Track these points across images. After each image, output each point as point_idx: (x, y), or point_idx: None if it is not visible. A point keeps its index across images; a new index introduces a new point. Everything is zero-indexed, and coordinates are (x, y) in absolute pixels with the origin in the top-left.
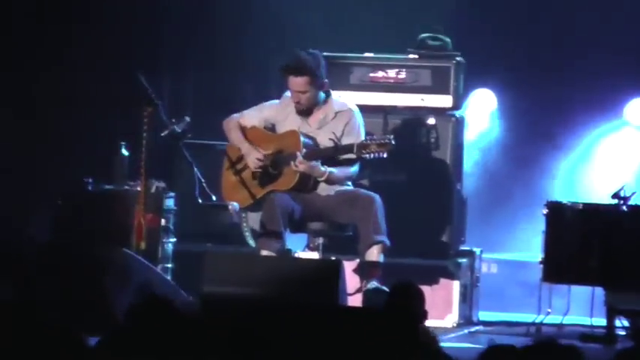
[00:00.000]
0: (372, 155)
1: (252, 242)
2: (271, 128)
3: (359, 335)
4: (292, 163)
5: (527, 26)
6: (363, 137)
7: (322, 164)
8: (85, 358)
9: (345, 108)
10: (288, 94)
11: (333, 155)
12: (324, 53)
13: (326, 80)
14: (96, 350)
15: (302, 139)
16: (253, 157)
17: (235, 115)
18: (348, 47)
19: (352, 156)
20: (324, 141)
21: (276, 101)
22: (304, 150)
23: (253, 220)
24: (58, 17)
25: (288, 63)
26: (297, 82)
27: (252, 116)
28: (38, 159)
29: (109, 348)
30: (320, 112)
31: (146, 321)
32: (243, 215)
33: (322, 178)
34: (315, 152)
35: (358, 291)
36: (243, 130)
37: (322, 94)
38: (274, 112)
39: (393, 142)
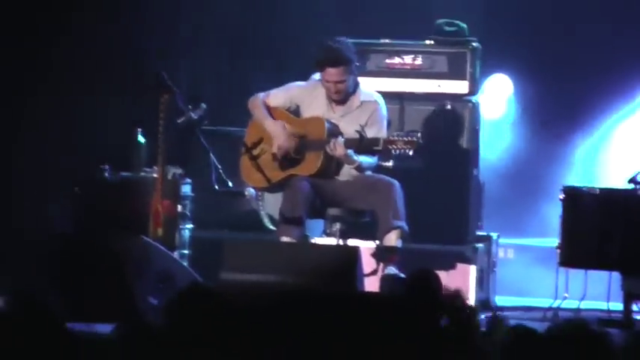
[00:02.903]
0: (397, 151)
1: (269, 225)
2: (295, 110)
3: (379, 323)
4: (322, 146)
5: (544, 11)
6: (385, 129)
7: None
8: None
9: (371, 99)
10: (316, 76)
11: (359, 146)
12: (346, 38)
13: (358, 64)
14: (116, 339)
15: (326, 125)
16: (279, 134)
17: (261, 94)
18: (365, 34)
19: (378, 148)
20: (347, 129)
21: (303, 83)
22: (334, 137)
23: (270, 205)
24: (75, 3)
25: (323, 55)
26: (335, 72)
27: (279, 95)
28: (55, 147)
29: (135, 338)
30: (347, 100)
31: (193, 311)
32: (261, 201)
33: (353, 165)
34: (347, 142)
35: (373, 273)
36: (268, 109)
37: (352, 84)
38: (302, 94)
39: (421, 141)
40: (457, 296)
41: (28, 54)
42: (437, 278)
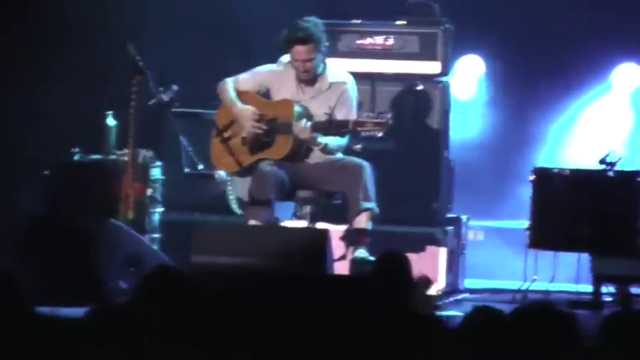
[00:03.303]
0: (367, 133)
1: (237, 210)
2: (265, 93)
3: (348, 304)
4: (291, 129)
5: None
6: (354, 111)
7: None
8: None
9: (340, 80)
10: (284, 59)
11: (328, 128)
12: (315, 18)
13: (327, 44)
14: (86, 322)
15: (296, 108)
16: (247, 118)
17: (230, 79)
18: (336, 14)
19: (347, 130)
20: (317, 111)
21: (273, 65)
22: (305, 120)
23: (239, 188)
24: None
25: (292, 33)
26: (304, 50)
27: (248, 80)
28: (24, 129)
29: (102, 320)
30: (316, 82)
31: (161, 293)
32: (229, 184)
33: (319, 148)
34: (313, 125)
35: (343, 258)
36: (237, 94)
37: (321, 64)
38: (271, 77)
39: (391, 122)
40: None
41: None
42: (406, 260)
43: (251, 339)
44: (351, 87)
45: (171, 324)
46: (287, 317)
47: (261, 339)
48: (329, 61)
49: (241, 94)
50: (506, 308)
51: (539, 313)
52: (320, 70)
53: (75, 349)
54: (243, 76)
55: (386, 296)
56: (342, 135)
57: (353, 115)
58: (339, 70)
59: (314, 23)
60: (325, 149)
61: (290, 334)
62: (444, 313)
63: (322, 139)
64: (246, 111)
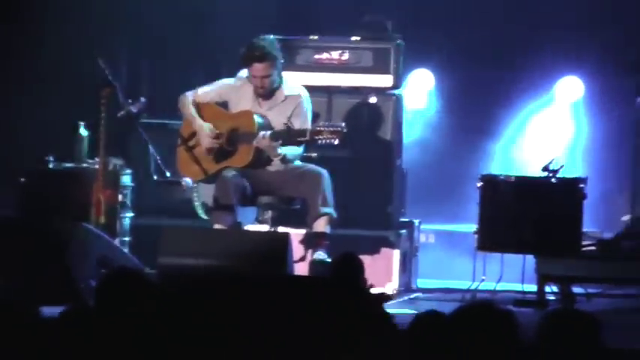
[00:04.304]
0: (323, 141)
1: (203, 215)
2: (223, 105)
3: (306, 303)
4: (252, 140)
5: (465, 10)
6: (309, 121)
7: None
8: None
9: (295, 93)
10: (242, 74)
11: (286, 138)
12: (271, 36)
13: (282, 61)
14: (61, 321)
15: (256, 118)
16: (206, 135)
17: (189, 92)
18: (295, 30)
19: (305, 139)
20: (275, 121)
21: (232, 79)
22: (265, 131)
23: (205, 194)
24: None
25: (250, 51)
26: (261, 67)
27: (207, 93)
28: (8, 142)
29: (76, 319)
30: (272, 94)
31: (121, 291)
32: (195, 190)
33: (277, 158)
34: (272, 135)
35: (302, 259)
36: (197, 106)
37: (277, 78)
38: (229, 91)
39: (345, 130)
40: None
41: None
42: (359, 262)
43: (211, 337)
44: (305, 99)
45: (132, 323)
46: (246, 316)
47: (222, 337)
48: (286, 74)
49: (202, 106)
50: (454, 307)
51: (480, 312)
52: (276, 83)
53: (51, 348)
54: (204, 89)
55: (340, 296)
56: (299, 144)
57: (308, 125)
58: (294, 83)
59: (270, 42)
60: (284, 159)
61: (250, 332)
62: (397, 311)
63: (281, 150)
64: (204, 128)
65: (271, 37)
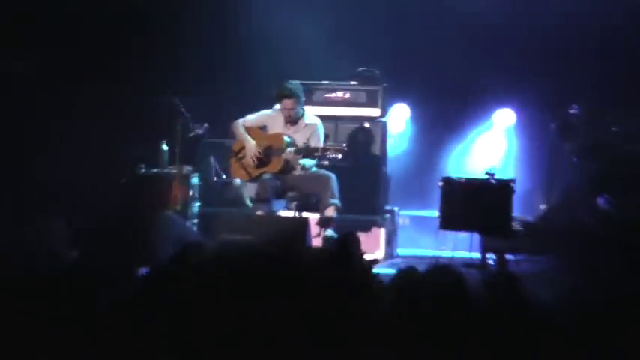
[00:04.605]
0: (331, 156)
1: (249, 204)
2: (263, 128)
3: (320, 264)
4: (282, 153)
5: (431, 60)
6: (322, 141)
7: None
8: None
9: (312, 121)
10: (277, 107)
11: (305, 153)
12: (296, 80)
13: (303, 98)
14: (147, 278)
15: (285, 139)
16: (250, 150)
17: (240, 120)
18: (312, 77)
19: (318, 154)
20: (298, 141)
21: (269, 110)
22: (291, 147)
23: (249, 191)
24: (114, 53)
25: (281, 90)
26: (289, 102)
27: (252, 120)
28: (109, 152)
29: (157, 279)
30: (297, 122)
31: (190, 258)
32: (243, 188)
33: (299, 167)
34: (296, 151)
35: (317, 235)
36: (245, 129)
37: (300, 110)
38: (267, 119)
39: (346, 149)
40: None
41: (98, 79)
42: (357, 238)
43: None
44: (320, 126)
45: (200, 281)
46: (278, 277)
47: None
48: (306, 107)
49: (248, 129)
50: (424, 267)
51: (441, 270)
52: (300, 114)
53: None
54: (250, 117)
55: (343, 261)
56: (313, 158)
57: (321, 144)
58: (312, 114)
59: (295, 84)
60: (303, 168)
61: (279, 289)
62: (384, 270)
63: (301, 161)
64: (250, 144)
65: (296, 81)
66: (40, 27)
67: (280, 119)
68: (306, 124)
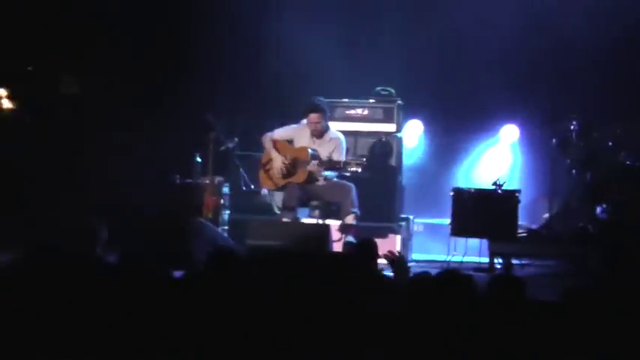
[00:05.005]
0: (351, 169)
1: (277, 211)
2: (290, 141)
3: (341, 268)
4: (306, 165)
5: (443, 80)
6: (344, 155)
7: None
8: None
9: (335, 136)
10: (304, 121)
11: (328, 165)
12: (321, 97)
13: (328, 114)
14: (182, 282)
15: (310, 151)
16: (278, 161)
17: (269, 133)
18: (335, 95)
19: (340, 167)
20: (322, 154)
21: (296, 125)
22: (314, 160)
23: (277, 199)
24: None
25: (308, 106)
26: (315, 117)
27: (280, 134)
28: (151, 166)
29: (193, 281)
30: (322, 136)
31: (222, 262)
32: (270, 197)
33: (322, 178)
34: (319, 163)
35: (338, 241)
36: (274, 142)
37: (325, 125)
38: (294, 132)
39: (366, 163)
40: (393, 254)
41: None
42: (374, 244)
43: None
44: (343, 141)
45: (229, 282)
46: (303, 277)
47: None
48: (330, 123)
49: (276, 142)
50: (436, 271)
51: (453, 274)
52: (324, 129)
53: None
54: (278, 131)
55: (362, 264)
56: (335, 170)
57: (343, 158)
58: (335, 130)
59: (322, 101)
60: (326, 178)
61: (304, 287)
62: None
63: (324, 173)
64: (277, 156)
65: (321, 98)
66: (98, 58)
67: (306, 133)
68: (331, 138)
